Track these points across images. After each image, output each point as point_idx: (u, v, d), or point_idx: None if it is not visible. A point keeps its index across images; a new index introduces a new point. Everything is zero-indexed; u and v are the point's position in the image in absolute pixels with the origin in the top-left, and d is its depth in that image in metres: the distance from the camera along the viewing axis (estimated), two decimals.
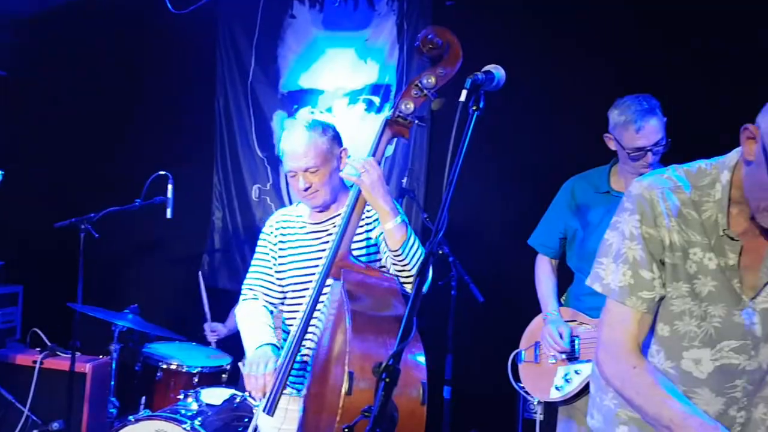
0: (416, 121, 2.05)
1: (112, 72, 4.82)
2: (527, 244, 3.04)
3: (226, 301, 4.03)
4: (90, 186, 4.61)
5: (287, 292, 2.43)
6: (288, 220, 2.47)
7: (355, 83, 4.53)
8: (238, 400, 3.21)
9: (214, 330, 3.94)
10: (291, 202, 4.66)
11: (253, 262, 2.51)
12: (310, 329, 2.24)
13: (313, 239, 2.38)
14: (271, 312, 2.46)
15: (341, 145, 2.37)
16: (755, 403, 1.57)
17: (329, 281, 2.09)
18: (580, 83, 3.73)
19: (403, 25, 4.44)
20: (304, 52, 4.66)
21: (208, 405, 3.19)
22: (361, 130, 4.38)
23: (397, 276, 2.11)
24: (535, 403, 2.95)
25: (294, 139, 2.29)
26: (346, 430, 1.14)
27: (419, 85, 2.01)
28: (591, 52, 3.74)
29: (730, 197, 1.47)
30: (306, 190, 2.29)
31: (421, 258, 2.07)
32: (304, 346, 2.27)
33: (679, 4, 3.56)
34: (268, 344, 2.26)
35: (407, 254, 2.08)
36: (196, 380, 3.57)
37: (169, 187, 3.45)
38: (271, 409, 2.07)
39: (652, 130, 2.56)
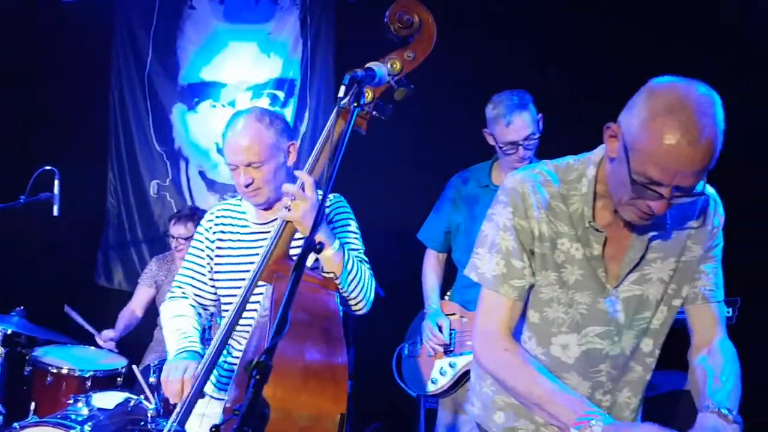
0: (374, 113, 1.80)
1: None
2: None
3: (120, 301, 3.89)
4: None
5: (222, 296, 2.20)
6: (230, 216, 2.22)
7: (258, 77, 4.48)
8: (132, 403, 3.09)
9: (106, 339, 3.82)
10: (193, 199, 4.56)
11: (186, 257, 2.29)
12: (241, 337, 2.13)
13: (255, 240, 2.14)
14: (200, 314, 2.26)
15: (290, 138, 2.13)
16: (620, 387, 1.67)
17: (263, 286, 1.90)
18: (495, 80, 3.74)
19: (306, 19, 4.42)
20: (205, 44, 4.56)
21: (99, 409, 3.06)
22: None
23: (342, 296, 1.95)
24: (414, 397, 2.97)
25: (237, 130, 2.04)
26: (214, 429, 1.12)
27: None
28: (507, 46, 3.75)
29: (596, 191, 1.55)
30: (247, 186, 2.05)
31: (367, 285, 2.00)
32: (230, 354, 2.17)
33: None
34: (188, 351, 2.07)
35: (344, 281, 1.92)
36: (89, 384, 3.42)
37: (56, 182, 3.29)
38: (183, 421, 1.90)
39: (522, 125, 2.63)
